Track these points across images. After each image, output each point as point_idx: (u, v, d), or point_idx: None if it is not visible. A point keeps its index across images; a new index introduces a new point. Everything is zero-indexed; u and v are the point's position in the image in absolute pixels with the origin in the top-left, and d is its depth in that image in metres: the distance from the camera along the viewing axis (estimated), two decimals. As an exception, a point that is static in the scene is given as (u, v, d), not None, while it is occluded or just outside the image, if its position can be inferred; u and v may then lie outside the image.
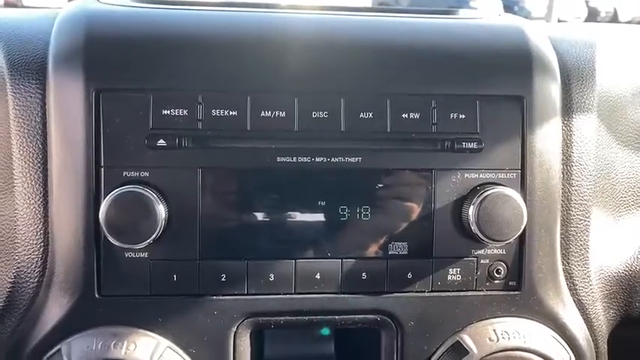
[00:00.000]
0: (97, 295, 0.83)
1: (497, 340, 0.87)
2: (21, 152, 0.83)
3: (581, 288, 0.94)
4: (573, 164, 0.93)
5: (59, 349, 0.82)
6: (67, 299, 0.83)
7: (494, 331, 0.88)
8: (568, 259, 0.94)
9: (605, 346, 0.97)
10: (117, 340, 0.81)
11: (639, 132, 1.01)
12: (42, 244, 0.84)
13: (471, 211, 0.85)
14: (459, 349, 0.87)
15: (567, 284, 0.94)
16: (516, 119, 0.88)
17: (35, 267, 0.84)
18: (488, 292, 0.89)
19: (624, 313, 0.99)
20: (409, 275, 0.87)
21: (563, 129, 0.93)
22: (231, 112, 0.83)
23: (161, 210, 0.79)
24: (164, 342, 0.83)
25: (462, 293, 0.89)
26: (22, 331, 0.84)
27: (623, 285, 0.98)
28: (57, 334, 0.83)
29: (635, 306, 0.99)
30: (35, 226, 0.84)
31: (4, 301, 0.85)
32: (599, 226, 0.97)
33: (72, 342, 0.82)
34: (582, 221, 0.94)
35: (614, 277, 0.98)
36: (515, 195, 0.85)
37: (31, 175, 0.83)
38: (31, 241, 0.84)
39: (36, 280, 0.85)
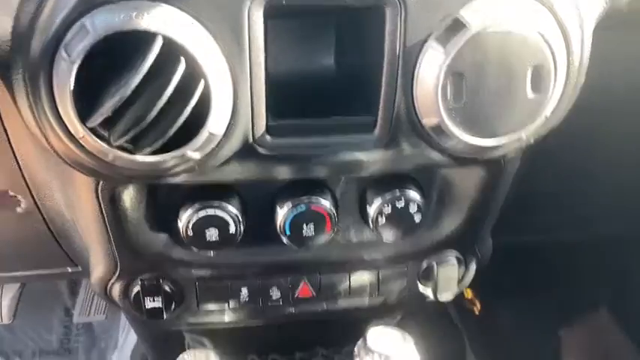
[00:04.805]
0: None
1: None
2: None
3: None
4: None
5: (83, 24, 0.86)
6: None
7: None
8: None
9: (590, 37, 1.00)
10: (138, 12, 0.85)
11: None
12: None
13: None
14: (458, 25, 0.92)
15: None
16: None
17: None
18: None
19: (610, 5, 1.02)
20: None
21: None
22: None
23: None
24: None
25: None
26: (46, 6, 0.87)
27: None
28: (79, 7, 0.86)
29: None
30: None
31: None
32: None
33: (94, 15, 0.86)
34: None
35: None
36: None
37: None
38: None
39: None
